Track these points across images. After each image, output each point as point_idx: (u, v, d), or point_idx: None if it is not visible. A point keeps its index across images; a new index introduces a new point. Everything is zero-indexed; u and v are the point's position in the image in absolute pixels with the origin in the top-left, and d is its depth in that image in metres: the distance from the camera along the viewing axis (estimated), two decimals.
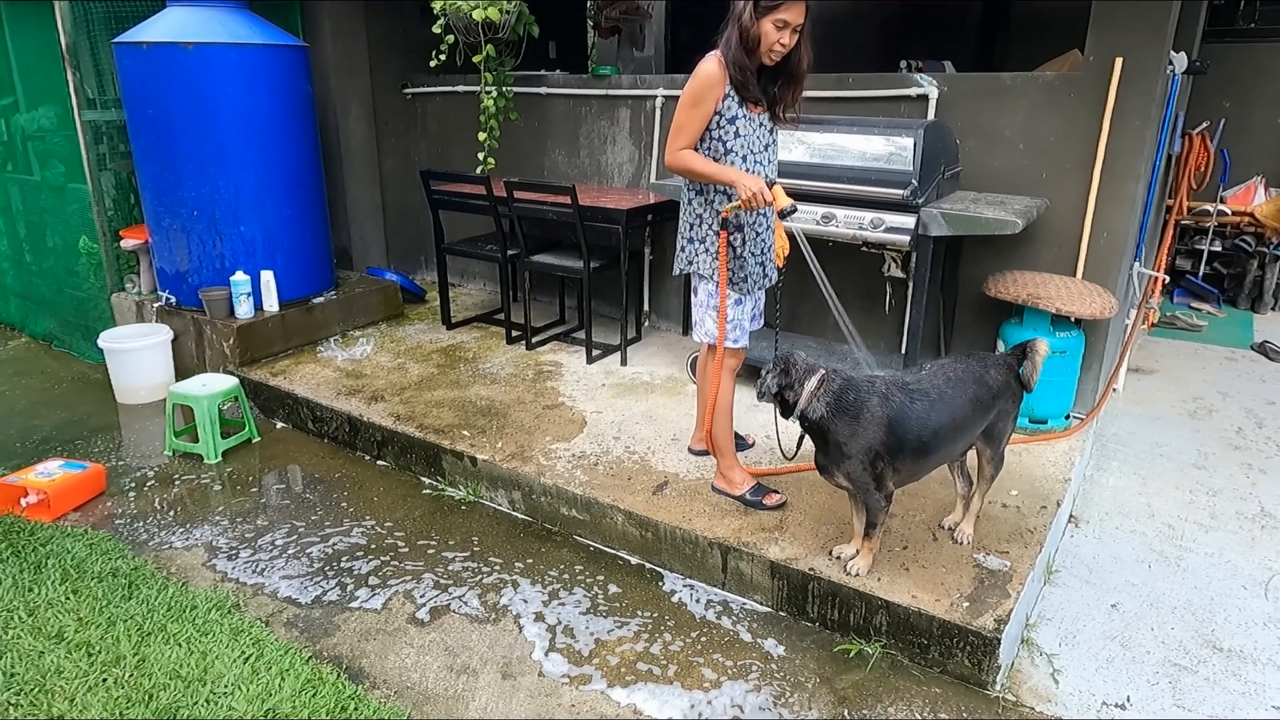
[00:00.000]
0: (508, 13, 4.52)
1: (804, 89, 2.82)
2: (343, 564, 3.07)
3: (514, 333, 4.86)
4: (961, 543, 2.81)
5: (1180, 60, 3.66)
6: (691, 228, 2.95)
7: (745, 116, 2.75)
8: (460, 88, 5.43)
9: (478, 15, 4.43)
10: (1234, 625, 2.69)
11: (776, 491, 3.07)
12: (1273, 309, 6.02)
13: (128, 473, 3.77)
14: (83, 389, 4.75)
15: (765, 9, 2.53)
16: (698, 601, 2.86)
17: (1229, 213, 5.91)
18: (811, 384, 2.52)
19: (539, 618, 2.76)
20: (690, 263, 2.98)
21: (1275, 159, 6.17)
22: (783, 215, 2.76)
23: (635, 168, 4.97)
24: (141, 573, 2.94)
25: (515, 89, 5.02)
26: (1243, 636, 2.64)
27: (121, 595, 2.80)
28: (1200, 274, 6.08)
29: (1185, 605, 2.79)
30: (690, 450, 3.47)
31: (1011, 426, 2.78)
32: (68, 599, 2.77)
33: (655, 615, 2.78)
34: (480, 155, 4.89)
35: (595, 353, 4.55)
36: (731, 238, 2.86)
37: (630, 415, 3.85)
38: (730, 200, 2.80)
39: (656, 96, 4.73)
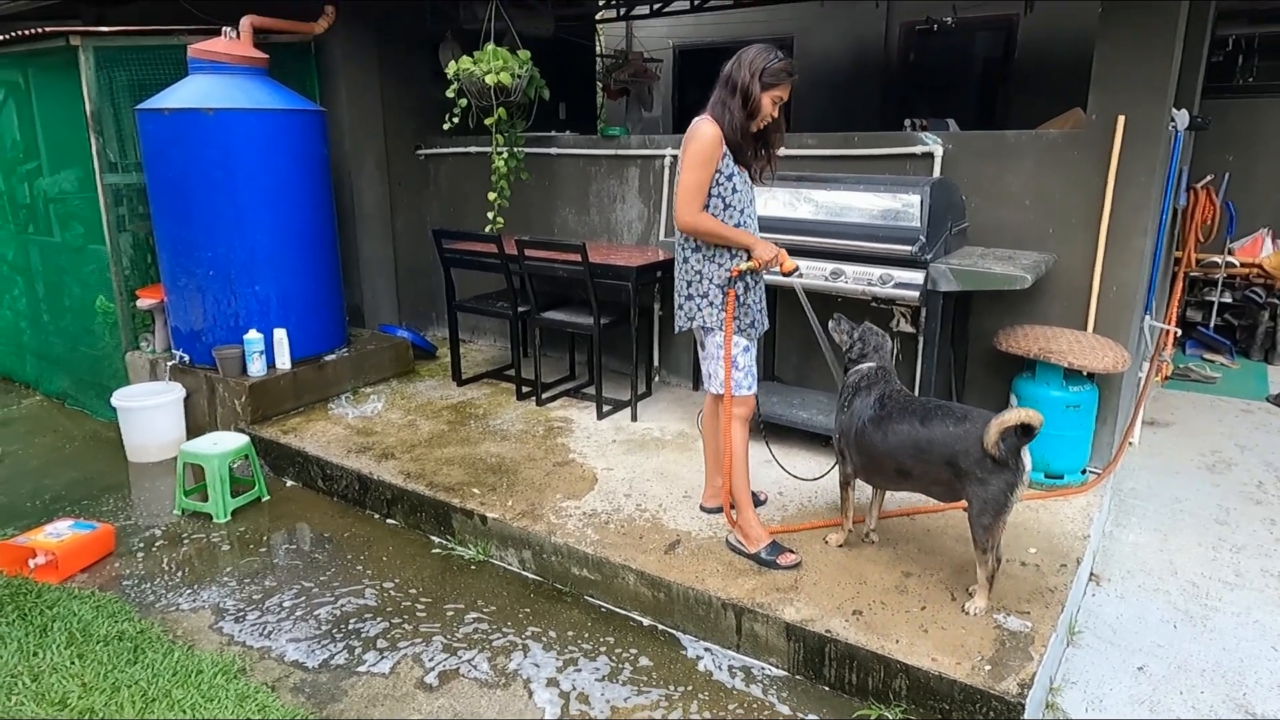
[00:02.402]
0: (519, 77, 4.64)
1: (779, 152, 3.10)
2: (351, 626, 3.02)
3: (524, 389, 4.87)
4: (970, 613, 2.70)
5: (1182, 117, 3.71)
6: (690, 284, 3.01)
7: (739, 174, 2.92)
8: (472, 149, 5.54)
9: (490, 80, 4.55)
10: (1266, 688, 2.61)
11: (792, 551, 3.03)
12: None
13: (136, 533, 3.75)
14: (94, 447, 4.76)
15: (768, 85, 2.79)
16: (714, 665, 2.79)
17: (1237, 264, 5.92)
18: (864, 367, 3.00)
19: (550, 683, 2.70)
20: (691, 318, 3.04)
21: None
22: (787, 276, 3.00)
23: (644, 225, 5.03)
24: (147, 636, 2.90)
25: (526, 149, 5.12)
26: (1276, 700, 2.55)
27: (127, 659, 2.75)
28: (1211, 325, 6.06)
29: (1214, 667, 2.71)
30: (702, 508, 3.44)
31: (987, 497, 2.58)
32: (73, 663, 2.73)
33: (670, 679, 2.72)
34: (490, 214, 4.96)
35: (606, 408, 4.55)
36: (736, 287, 2.96)
37: (641, 472, 3.82)
38: (734, 260, 2.96)
39: (664, 156, 4.81)
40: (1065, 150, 3.63)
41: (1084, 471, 3.67)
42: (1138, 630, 2.90)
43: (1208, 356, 5.99)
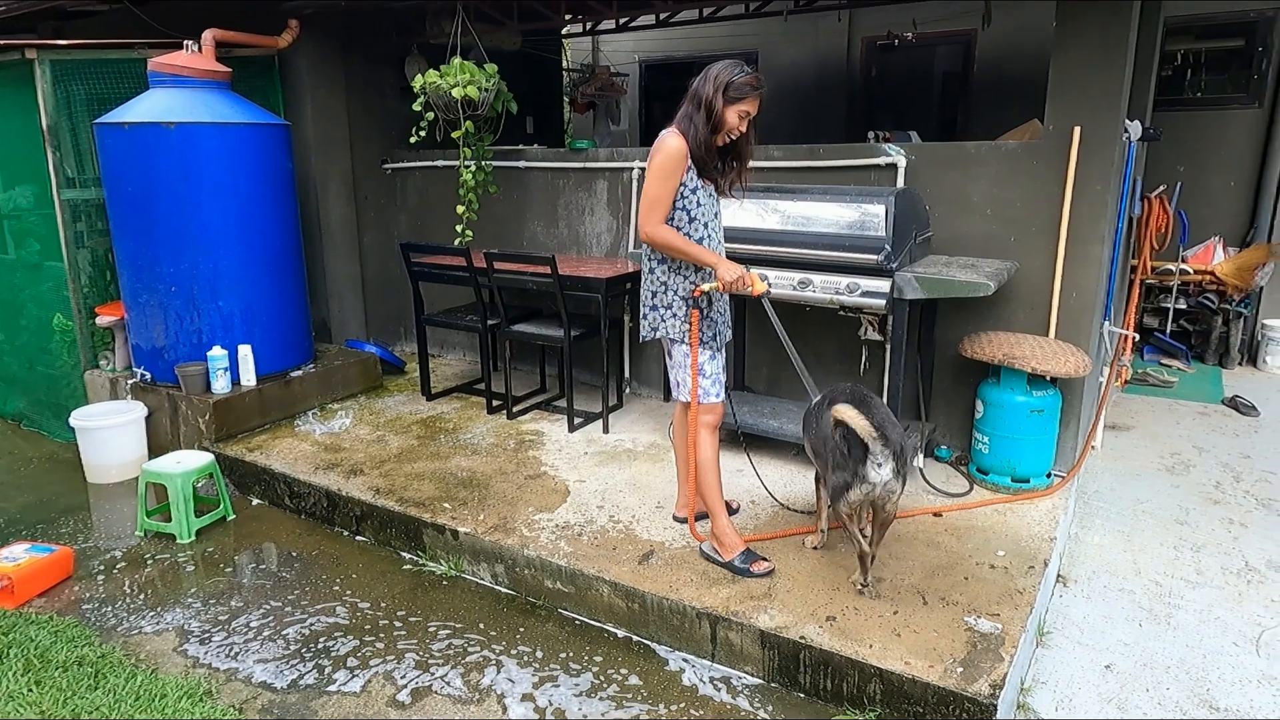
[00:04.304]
0: (486, 90, 4.65)
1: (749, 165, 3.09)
2: (320, 645, 2.97)
3: (495, 402, 4.84)
4: (806, 545, 3.11)
5: (1135, 128, 3.83)
6: (655, 295, 3.03)
7: (703, 187, 2.94)
8: (440, 162, 5.52)
9: (457, 93, 4.54)
10: (1228, 684, 2.66)
11: (765, 559, 3.04)
12: (1240, 364, 6.14)
13: (97, 555, 3.65)
14: (52, 469, 4.64)
15: (732, 100, 2.80)
16: (689, 675, 2.79)
17: (1191, 271, 6.08)
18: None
19: (526, 698, 2.68)
20: (655, 329, 3.06)
21: (1230, 219, 6.39)
22: (758, 298, 2.98)
23: (613, 237, 5.04)
24: (109, 660, 2.83)
25: (494, 163, 5.12)
26: (1238, 695, 2.61)
27: (87, 685, 2.68)
28: (1168, 331, 6.22)
29: (1179, 664, 2.76)
30: (675, 518, 3.44)
31: (829, 478, 2.79)
32: (30, 691, 2.64)
33: (647, 690, 2.71)
34: (459, 228, 4.95)
35: (577, 421, 4.54)
36: (700, 299, 2.98)
37: (614, 483, 3.82)
38: (699, 273, 2.98)
39: (633, 169, 4.83)
40: (1024, 160, 3.71)
41: (1049, 475, 3.73)
42: (1104, 629, 2.95)
43: (1165, 361, 6.14)
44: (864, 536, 2.80)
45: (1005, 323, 3.86)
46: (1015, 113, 4.86)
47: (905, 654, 2.55)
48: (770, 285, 3.05)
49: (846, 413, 2.64)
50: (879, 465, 2.67)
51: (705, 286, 2.94)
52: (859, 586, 2.87)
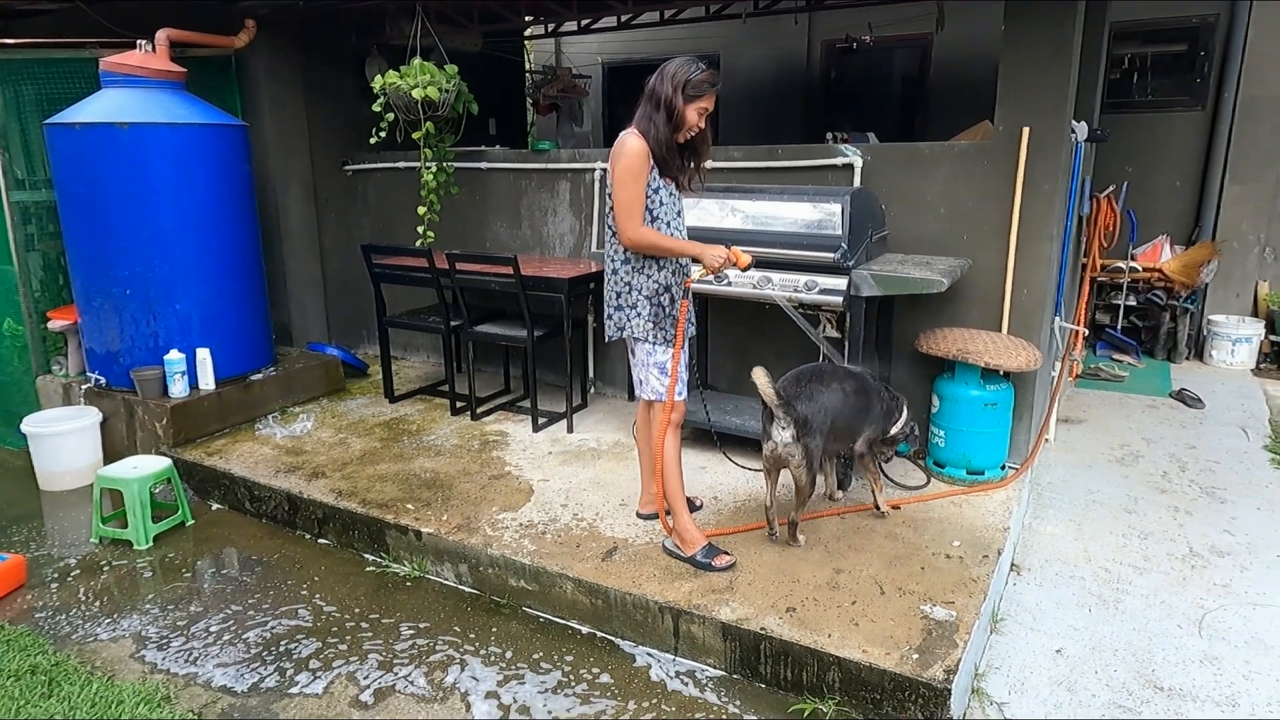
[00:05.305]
0: (446, 91, 4.64)
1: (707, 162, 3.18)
2: (282, 648, 2.95)
3: (459, 404, 4.83)
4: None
5: (1082, 129, 3.94)
6: (620, 295, 3.06)
7: (664, 186, 2.98)
8: (401, 163, 5.50)
9: (417, 94, 4.53)
10: (1172, 664, 2.76)
11: (727, 553, 3.08)
12: (1187, 358, 6.34)
13: (50, 563, 3.58)
14: (2, 476, 4.54)
15: (691, 97, 2.84)
16: (654, 670, 2.82)
17: (1140, 269, 6.26)
18: None
19: (490, 695, 2.69)
20: (621, 329, 3.08)
21: (1177, 219, 6.59)
22: (745, 271, 3.11)
23: (576, 237, 5.06)
24: (63, 668, 2.78)
25: (456, 164, 5.11)
26: (1181, 675, 2.70)
27: (41, 694, 2.63)
28: (1119, 327, 6.39)
29: (1126, 647, 2.85)
30: (638, 515, 3.46)
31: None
32: None
33: (611, 685, 2.73)
34: (421, 229, 4.93)
35: (541, 421, 4.55)
36: (663, 298, 3.01)
37: (578, 482, 3.83)
38: (660, 270, 3.02)
39: (595, 170, 4.86)
40: (975, 160, 3.80)
41: (1003, 467, 3.82)
42: (1056, 615, 3.03)
43: (1116, 356, 6.30)
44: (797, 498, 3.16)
45: (959, 319, 3.94)
46: (971, 114, 4.96)
47: (863, 642, 2.61)
48: (751, 260, 3.11)
49: (758, 377, 2.93)
50: (782, 428, 3.02)
51: (695, 276, 3.00)
52: (769, 533, 3.24)
